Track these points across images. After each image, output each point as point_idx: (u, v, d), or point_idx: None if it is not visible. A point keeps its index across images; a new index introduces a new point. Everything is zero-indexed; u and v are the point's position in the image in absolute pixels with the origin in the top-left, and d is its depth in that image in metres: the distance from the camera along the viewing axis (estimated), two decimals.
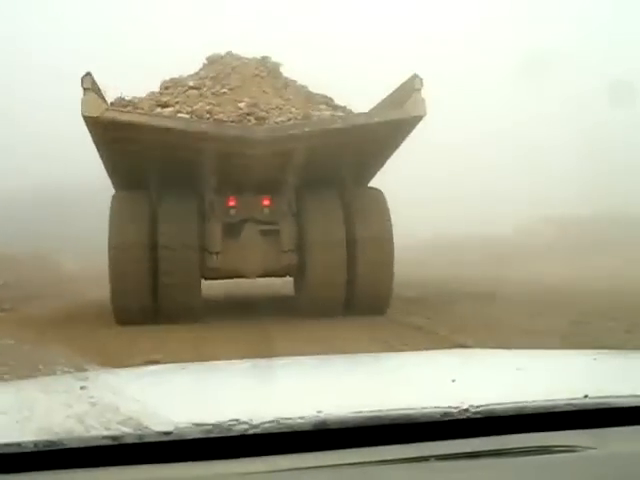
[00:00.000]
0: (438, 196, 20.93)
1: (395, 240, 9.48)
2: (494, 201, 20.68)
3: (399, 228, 9.73)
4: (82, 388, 1.23)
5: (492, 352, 2.31)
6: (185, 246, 9.05)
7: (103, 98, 8.57)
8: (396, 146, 9.43)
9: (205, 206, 9.40)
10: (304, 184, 9.42)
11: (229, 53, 10.05)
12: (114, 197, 9.71)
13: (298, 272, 9.96)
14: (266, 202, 9.51)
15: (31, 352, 6.73)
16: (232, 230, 9.42)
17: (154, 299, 9.19)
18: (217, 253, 9.41)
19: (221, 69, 9.61)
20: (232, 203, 9.44)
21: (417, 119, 8.74)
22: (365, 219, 9.55)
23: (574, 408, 1.21)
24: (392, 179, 10.62)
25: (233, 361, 2.25)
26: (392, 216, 9.56)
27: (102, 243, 9.38)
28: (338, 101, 9.64)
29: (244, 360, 2.24)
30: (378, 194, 9.85)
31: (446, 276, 13.05)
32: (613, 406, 1.23)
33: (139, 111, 8.67)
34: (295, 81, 9.80)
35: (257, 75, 9.52)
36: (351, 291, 9.49)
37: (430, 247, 19.08)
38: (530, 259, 15.13)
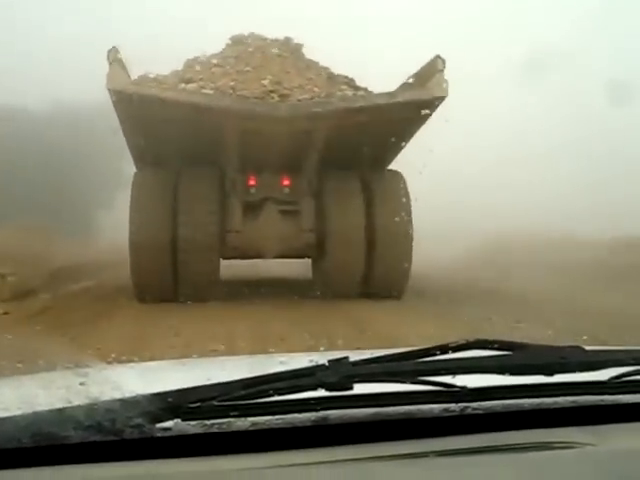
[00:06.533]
0: None
1: None
2: None
3: None
4: (81, 384, 1.22)
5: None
6: (205, 224, 9.10)
7: (127, 73, 8.63)
8: (417, 128, 9.44)
9: (226, 184, 9.46)
10: (325, 165, 9.47)
11: (252, 34, 10.11)
12: (135, 175, 9.77)
13: (316, 253, 9.99)
14: (286, 182, 9.57)
15: None
16: (252, 209, 9.49)
17: (174, 277, 9.25)
18: (236, 232, 9.48)
19: (244, 49, 9.66)
20: (252, 182, 9.50)
21: (439, 100, 8.76)
22: (384, 201, 9.58)
23: (573, 404, 1.21)
24: None
25: (232, 357, 2.25)
26: None
27: None
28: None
29: (243, 356, 2.23)
30: (398, 176, 9.87)
31: None
32: (612, 402, 1.23)
33: (163, 86, 8.72)
34: (317, 62, 9.83)
35: (280, 55, 9.58)
36: (369, 274, 9.52)
37: None
38: None
